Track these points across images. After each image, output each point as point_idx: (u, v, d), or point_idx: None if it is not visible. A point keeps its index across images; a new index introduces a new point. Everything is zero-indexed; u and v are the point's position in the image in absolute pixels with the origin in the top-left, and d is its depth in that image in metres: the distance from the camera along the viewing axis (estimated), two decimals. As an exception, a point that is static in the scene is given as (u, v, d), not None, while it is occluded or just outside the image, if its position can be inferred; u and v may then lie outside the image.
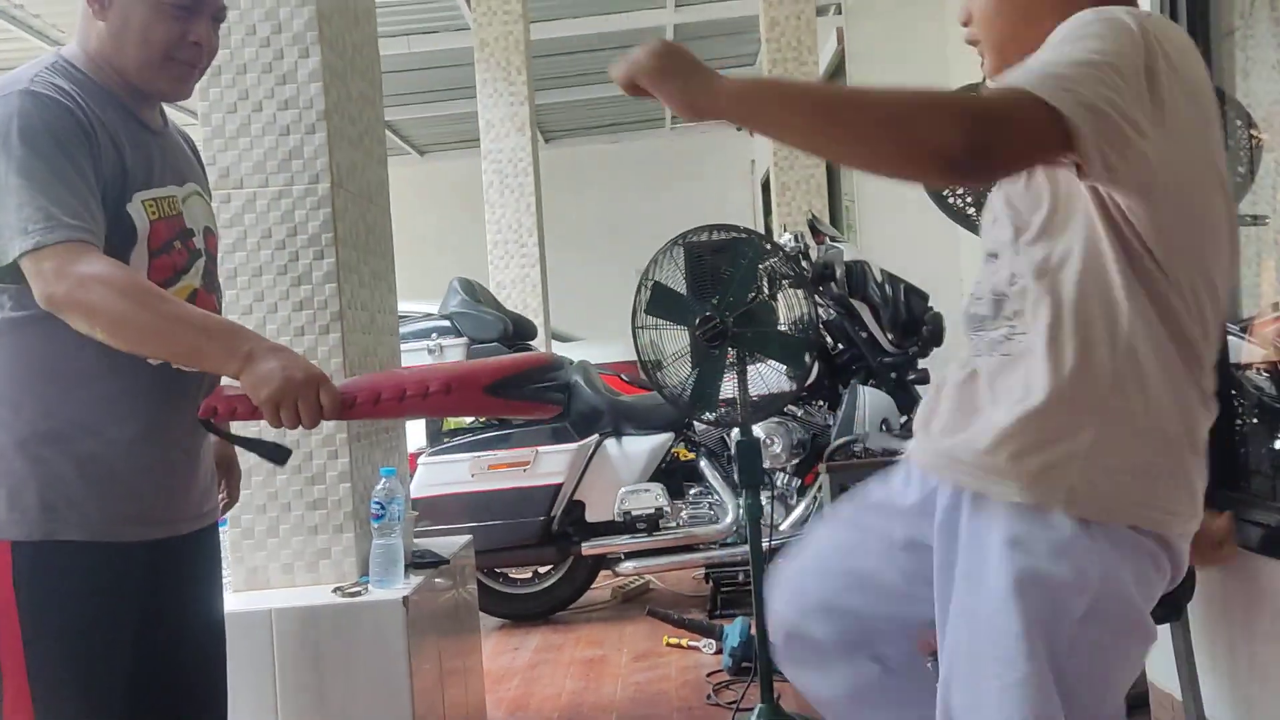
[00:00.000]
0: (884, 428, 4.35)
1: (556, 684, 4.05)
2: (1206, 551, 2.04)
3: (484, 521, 4.60)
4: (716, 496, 4.83)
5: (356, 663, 2.62)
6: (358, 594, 2.69)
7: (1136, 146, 1.37)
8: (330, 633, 2.63)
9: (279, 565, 2.82)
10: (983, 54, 1.67)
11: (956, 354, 1.73)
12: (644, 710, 3.71)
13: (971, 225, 3.53)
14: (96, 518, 1.75)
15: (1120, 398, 1.47)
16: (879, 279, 4.65)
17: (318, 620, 2.64)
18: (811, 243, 4.83)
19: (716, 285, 3.26)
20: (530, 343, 5.38)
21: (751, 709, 3.27)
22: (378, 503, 2.73)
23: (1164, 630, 2.64)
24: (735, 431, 3.47)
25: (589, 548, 4.78)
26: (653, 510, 4.75)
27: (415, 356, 4.80)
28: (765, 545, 3.40)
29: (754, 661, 3.45)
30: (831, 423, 4.68)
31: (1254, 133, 2.89)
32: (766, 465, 4.62)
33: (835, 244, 4.82)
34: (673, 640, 4.39)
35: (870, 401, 4.49)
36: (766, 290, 3.69)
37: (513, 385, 1.75)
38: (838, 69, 9.01)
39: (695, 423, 4.73)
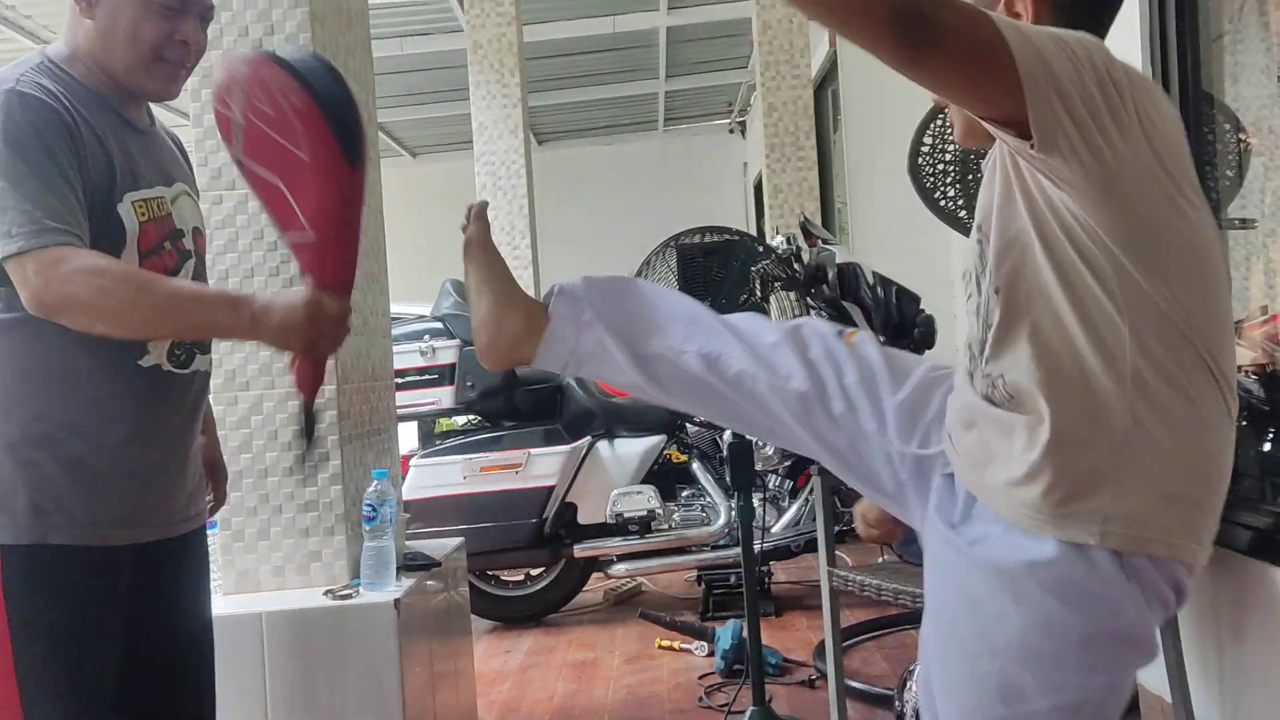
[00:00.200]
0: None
1: (548, 686, 4.05)
2: (865, 528, 2.01)
3: (476, 524, 4.60)
4: (709, 499, 4.83)
5: (348, 666, 2.62)
6: (349, 597, 2.69)
7: (1089, 133, 1.33)
8: (321, 636, 2.63)
9: (270, 568, 2.82)
10: (952, 122, 1.66)
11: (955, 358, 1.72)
12: (636, 713, 3.71)
13: (962, 227, 3.54)
14: (85, 521, 1.75)
15: (1137, 427, 1.41)
16: (871, 281, 4.65)
17: (309, 623, 2.64)
18: (804, 245, 4.83)
19: (709, 287, 3.26)
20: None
21: (743, 712, 3.27)
22: (369, 505, 2.73)
23: (1154, 632, 2.64)
24: (727, 434, 3.48)
25: (581, 550, 4.78)
26: (645, 512, 4.75)
27: (408, 358, 4.80)
28: (757, 548, 3.40)
29: (746, 664, 3.45)
30: (823, 425, 4.68)
31: (1242, 137, 2.91)
32: (758, 468, 4.62)
33: (827, 246, 4.82)
34: (664, 643, 4.39)
35: (862, 404, 4.48)
36: (759, 292, 3.69)
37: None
38: (830, 72, 9.02)
39: (687, 425, 4.73)
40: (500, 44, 8.22)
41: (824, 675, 3.38)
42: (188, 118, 2.86)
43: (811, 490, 4.36)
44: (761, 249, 3.63)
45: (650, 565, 4.86)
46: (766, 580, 4.92)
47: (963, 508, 1.55)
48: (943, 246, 6.24)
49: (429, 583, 2.97)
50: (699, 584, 5.08)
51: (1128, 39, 2.83)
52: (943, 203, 3.54)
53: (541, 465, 4.76)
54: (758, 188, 10.89)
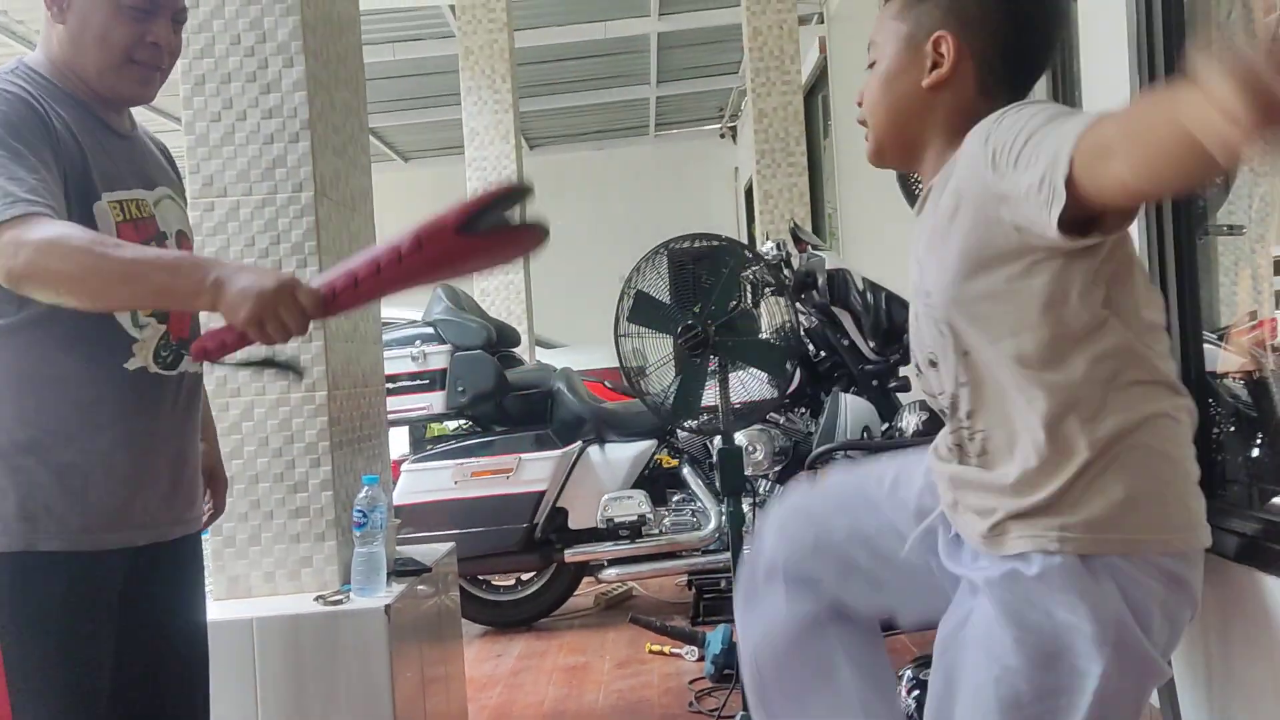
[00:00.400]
0: (865, 435, 4.37)
1: (539, 691, 4.05)
2: None
3: (467, 529, 4.60)
4: (699, 504, 4.84)
5: (338, 671, 2.62)
6: (340, 602, 2.69)
7: None
8: (312, 641, 2.63)
9: (261, 574, 2.82)
10: (867, 136, 1.70)
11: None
12: (626, 718, 3.72)
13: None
14: (76, 526, 1.75)
15: (1098, 457, 1.49)
16: (860, 287, 4.66)
17: (299, 629, 2.64)
18: (794, 251, 4.85)
19: (699, 293, 3.27)
20: (513, 349, 5.38)
21: (733, 716, 3.28)
22: (360, 510, 2.74)
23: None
24: (718, 439, 3.49)
25: (572, 555, 4.78)
26: (635, 517, 4.76)
27: (399, 364, 4.81)
28: (747, 552, 3.40)
29: (736, 669, 3.46)
30: (813, 430, 4.70)
31: (1229, 145, 2.92)
32: (748, 472, 4.63)
33: (817, 252, 4.84)
34: (655, 647, 4.40)
35: (852, 409, 4.50)
36: (749, 298, 3.71)
37: (483, 219, 1.63)
38: (820, 78, 9.05)
39: (678, 430, 4.74)
40: (492, 49, 8.23)
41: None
42: (179, 123, 2.87)
43: (802, 495, 4.37)
44: (751, 255, 3.64)
45: (641, 570, 4.86)
46: (757, 585, 4.92)
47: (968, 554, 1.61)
48: (933, 252, 6.26)
49: (420, 588, 2.97)
50: (689, 588, 5.09)
51: (1115, 47, 2.84)
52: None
53: (532, 470, 4.76)
54: (748, 193, 10.90)
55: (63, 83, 1.82)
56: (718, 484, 4.66)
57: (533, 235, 1.67)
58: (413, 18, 9.20)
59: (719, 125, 14.41)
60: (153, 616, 1.88)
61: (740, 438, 4.45)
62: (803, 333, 4.51)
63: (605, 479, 4.81)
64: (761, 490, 4.78)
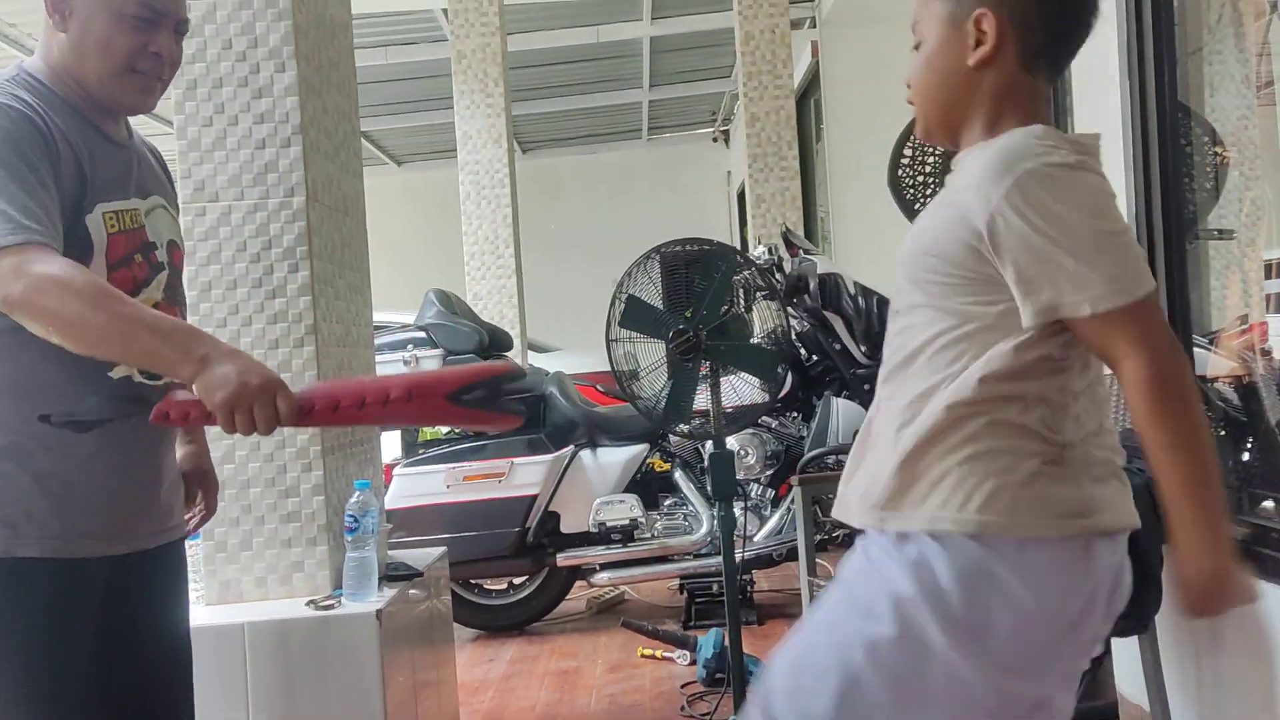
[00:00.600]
0: (857, 439, 4.37)
1: (531, 695, 4.05)
2: None
3: (459, 533, 4.60)
4: (691, 508, 4.84)
5: (329, 676, 2.61)
6: (331, 607, 2.69)
7: None
8: (303, 646, 2.63)
9: (252, 578, 2.82)
10: (917, 116, 1.73)
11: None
12: (618, 722, 3.72)
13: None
14: (56, 533, 1.74)
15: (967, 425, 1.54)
16: (852, 291, 4.68)
17: (291, 634, 2.63)
18: (785, 255, 4.86)
19: (691, 298, 3.28)
20: (506, 353, 5.38)
21: (725, 720, 3.28)
22: (351, 515, 2.73)
23: (1132, 643, 2.66)
24: (709, 443, 3.49)
25: (564, 559, 4.78)
26: (627, 521, 4.76)
27: (391, 368, 4.80)
28: (739, 556, 3.41)
29: (728, 673, 3.46)
30: (805, 434, 4.71)
31: (1219, 150, 2.93)
32: (740, 477, 4.64)
33: (809, 256, 4.85)
34: (647, 651, 4.40)
35: (843, 413, 4.51)
36: (741, 303, 3.72)
37: (474, 393, 1.71)
38: (812, 82, 9.06)
39: (670, 434, 4.74)
40: (484, 54, 8.23)
41: (806, 684, 3.38)
42: (171, 127, 2.87)
43: (793, 499, 4.38)
44: (742, 260, 3.65)
45: (633, 574, 4.86)
46: (749, 589, 4.93)
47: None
48: (924, 256, 6.27)
49: (412, 592, 2.97)
50: (681, 592, 5.09)
51: (1105, 53, 2.85)
52: (919, 208, 3.56)
53: (524, 474, 4.76)
54: (741, 197, 10.91)
55: (62, 90, 1.82)
56: (709, 488, 4.66)
57: (507, 421, 1.78)
58: (405, 22, 9.20)
59: (711, 129, 14.41)
60: (135, 624, 1.87)
61: (732, 442, 4.47)
62: (794, 337, 4.52)
63: (597, 483, 4.81)
64: (753, 494, 4.79)
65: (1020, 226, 1.46)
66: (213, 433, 2.77)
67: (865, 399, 4.59)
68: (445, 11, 8.55)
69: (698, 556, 4.78)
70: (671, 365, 3.32)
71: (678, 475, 4.88)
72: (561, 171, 14.42)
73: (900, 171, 3.63)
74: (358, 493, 2.78)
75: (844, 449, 4.06)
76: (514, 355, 5.86)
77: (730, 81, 11.48)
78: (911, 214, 3.52)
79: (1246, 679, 2.43)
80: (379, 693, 2.61)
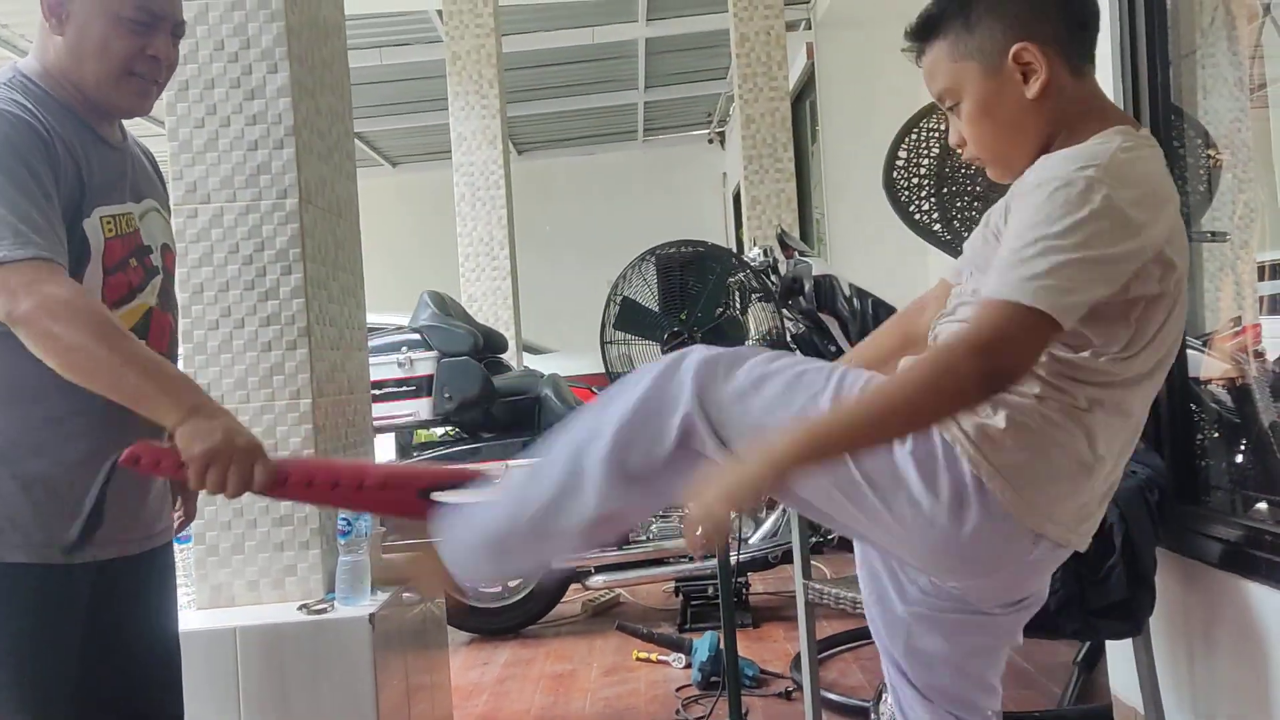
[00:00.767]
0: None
1: (525, 699, 4.04)
2: None
3: (453, 536, 4.58)
4: (686, 510, 4.82)
5: (322, 681, 2.61)
6: (324, 611, 2.68)
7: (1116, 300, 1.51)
8: (296, 651, 2.62)
9: (244, 582, 2.81)
10: (985, 168, 1.75)
11: None
12: (613, 725, 3.71)
13: (936, 240, 3.56)
14: (41, 539, 1.73)
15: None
16: (848, 293, 4.66)
17: (283, 638, 2.63)
18: (780, 257, 4.85)
19: (686, 300, 3.27)
20: (501, 355, 5.37)
21: (719, 723, 3.28)
22: (344, 519, 2.73)
23: (1126, 645, 2.66)
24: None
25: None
26: (622, 524, 4.74)
27: (385, 370, 4.79)
28: (734, 559, 3.40)
29: (723, 676, 3.45)
30: (800, 436, 4.69)
31: (1212, 153, 2.93)
32: (735, 479, 4.62)
33: (804, 258, 4.84)
34: (642, 655, 4.39)
35: (839, 415, 4.50)
36: (736, 304, 3.71)
37: (445, 491, 1.74)
38: (807, 84, 9.06)
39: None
40: (479, 55, 8.23)
41: (800, 687, 3.38)
42: (163, 128, 2.86)
43: (788, 502, 4.38)
44: (737, 261, 3.64)
45: (628, 577, 4.85)
46: (744, 591, 4.93)
47: None
48: (919, 258, 6.27)
49: (405, 596, 2.96)
50: (676, 595, 5.08)
51: (1099, 56, 2.85)
52: (918, 216, 3.56)
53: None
54: (736, 198, 10.91)
55: (58, 93, 1.81)
56: (705, 490, 4.65)
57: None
58: (400, 23, 9.20)
59: (707, 131, 14.43)
60: (121, 630, 1.85)
61: (727, 444, 4.44)
62: (789, 338, 4.51)
63: (592, 485, 4.79)
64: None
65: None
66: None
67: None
68: (440, 13, 8.56)
69: (693, 559, 4.77)
70: (666, 367, 3.31)
71: (672, 477, 4.87)
72: (556, 173, 14.42)
73: (895, 173, 3.62)
74: (351, 496, 2.77)
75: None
76: (509, 357, 5.85)
77: (725, 83, 11.50)
78: (906, 215, 3.52)
79: (1240, 681, 2.43)
80: (372, 697, 2.60)
